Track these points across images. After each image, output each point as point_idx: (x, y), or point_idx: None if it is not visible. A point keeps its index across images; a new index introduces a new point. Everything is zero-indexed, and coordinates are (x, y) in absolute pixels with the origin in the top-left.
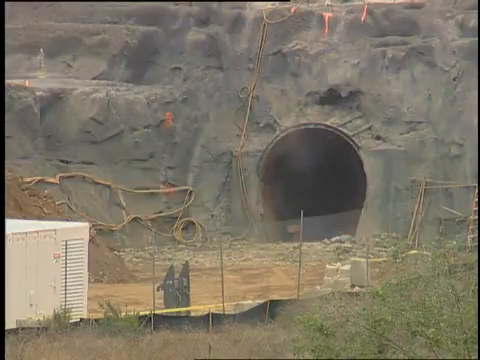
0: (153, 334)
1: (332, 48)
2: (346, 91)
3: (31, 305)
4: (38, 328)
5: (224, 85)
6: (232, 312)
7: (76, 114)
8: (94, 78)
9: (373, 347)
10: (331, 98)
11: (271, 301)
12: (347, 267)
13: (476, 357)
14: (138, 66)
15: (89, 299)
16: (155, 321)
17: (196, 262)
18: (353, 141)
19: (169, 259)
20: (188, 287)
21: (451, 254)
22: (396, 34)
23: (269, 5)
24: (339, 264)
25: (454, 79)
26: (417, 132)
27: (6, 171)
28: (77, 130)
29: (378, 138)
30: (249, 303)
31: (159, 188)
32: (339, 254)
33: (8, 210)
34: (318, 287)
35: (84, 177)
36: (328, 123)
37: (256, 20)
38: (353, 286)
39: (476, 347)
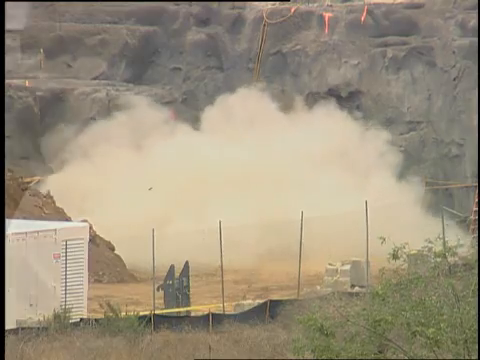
0: (153, 334)
1: (332, 48)
2: (346, 91)
3: (31, 305)
4: (38, 328)
5: (224, 85)
6: (232, 312)
7: (76, 114)
8: (94, 78)
9: (373, 347)
10: (331, 98)
11: (271, 301)
12: (347, 267)
13: (476, 357)
14: (138, 66)
15: (89, 299)
16: (155, 321)
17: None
18: None
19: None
20: (188, 287)
21: (451, 254)
22: (396, 34)
23: (269, 5)
24: (339, 264)
25: (454, 79)
26: (417, 132)
27: (6, 171)
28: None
29: None
30: (249, 303)
31: None
32: None
33: (8, 210)
34: (318, 287)
35: None
36: None
37: (256, 20)
38: (353, 286)
39: (476, 347)
